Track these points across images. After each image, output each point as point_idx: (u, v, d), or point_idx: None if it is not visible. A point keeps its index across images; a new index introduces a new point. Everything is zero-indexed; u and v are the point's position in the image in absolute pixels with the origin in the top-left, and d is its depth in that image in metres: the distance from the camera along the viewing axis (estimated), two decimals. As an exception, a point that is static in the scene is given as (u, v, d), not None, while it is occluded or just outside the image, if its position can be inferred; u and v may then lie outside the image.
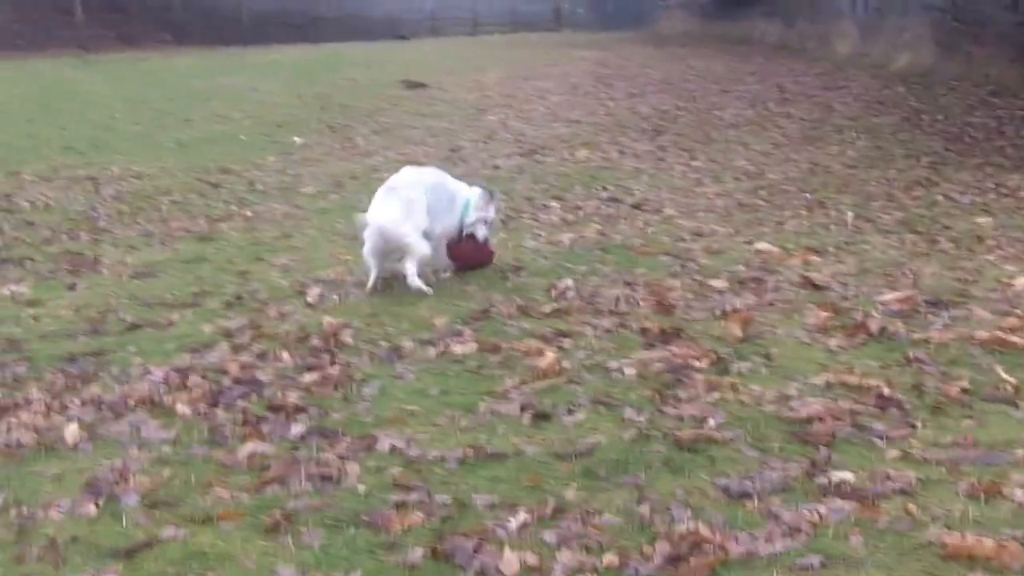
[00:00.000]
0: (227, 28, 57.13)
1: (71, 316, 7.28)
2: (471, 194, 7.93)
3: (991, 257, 8.47)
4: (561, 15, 69.99)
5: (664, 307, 6.88)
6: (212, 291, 7.79)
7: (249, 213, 10.89)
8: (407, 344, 6.30)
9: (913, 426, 4.90)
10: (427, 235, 7.41)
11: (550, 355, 5.92)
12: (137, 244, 9.59)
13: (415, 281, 7.37)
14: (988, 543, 3.74)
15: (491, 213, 7.95)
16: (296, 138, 16.79)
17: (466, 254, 7.94)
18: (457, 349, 6.15)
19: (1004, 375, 5.48)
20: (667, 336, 6.26)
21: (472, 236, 7.88)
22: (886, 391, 5.28)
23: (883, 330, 6.28)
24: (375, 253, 7.44)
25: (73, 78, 30.65)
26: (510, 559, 3.76)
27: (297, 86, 25.78)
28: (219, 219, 10.62)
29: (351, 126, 18.28)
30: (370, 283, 7.50)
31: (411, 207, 7.32)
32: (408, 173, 7.63)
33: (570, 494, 4.25)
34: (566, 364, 5.81)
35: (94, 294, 7.87)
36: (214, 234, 9.91)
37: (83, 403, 5.49)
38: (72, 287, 8.12)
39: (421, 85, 25.25)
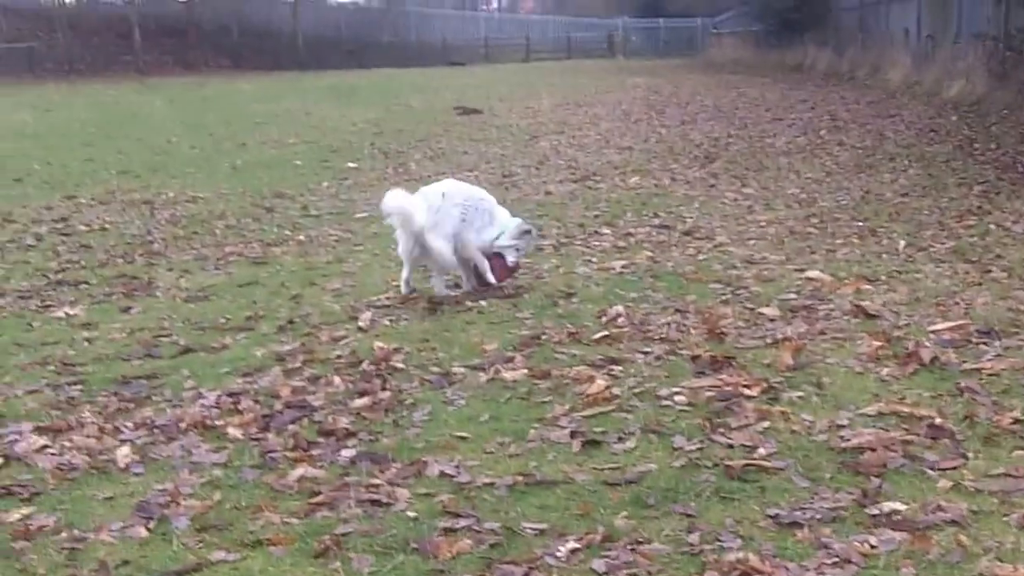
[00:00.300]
0: (283, 53, 57.72)
1: (125, 339, 7.33)
2: (510, 223, 8.27)
3: (1046, 286, 8.34)
4: (614, 42, 70.09)
5: (715, 335, 6.83)
6: (265, 315, 7.82)
7: (302, 237, 10.94)
8: (458, 369, 6.29)
9: (965, 456, 4.82)
10: (456, 239, 7.98)
11: (600, 382, 5.89)
12: (191, 268, 9.65)
13: (440, 291, 8.04)
14: (1044, 578, 3.67)
15: (523, 244, 8.31)
16: (350, 163, 16.88)
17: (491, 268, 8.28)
18: (507, 375, 6.13)
19: (1059, 406, 5.39)
20: (718, 364, 6.21)
21: (501, 256, 8.22)
22: (938, 421, 5.21)
23: (935, 359, 6.19)
24: (402, 248, 8.01)
25: (131, 102, 30.99)
26: (558, 588, 3.73)
27: (351, 111, 25.95)
28: (273, 243, 10.68)
29: (405, 152, 18.36)
30: (402, 283, 8.15)
31: (436, 208, 7.92)
32: (447, 183, 8.32)
33: (620, 522, 4.21)
34: (616, 391, 5.78)
35: (148, 317, 7.93)
36: (267, 258, 9.96)
37: (135, 426, 5.52)
38: (126, 310, 8.18)
39: (475, 111, 25.35)
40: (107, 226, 11.87)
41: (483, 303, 7.87)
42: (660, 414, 5.43)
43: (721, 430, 5.17)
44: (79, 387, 6.23)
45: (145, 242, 10.92)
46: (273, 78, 45.02)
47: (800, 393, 5.70)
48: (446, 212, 7.94)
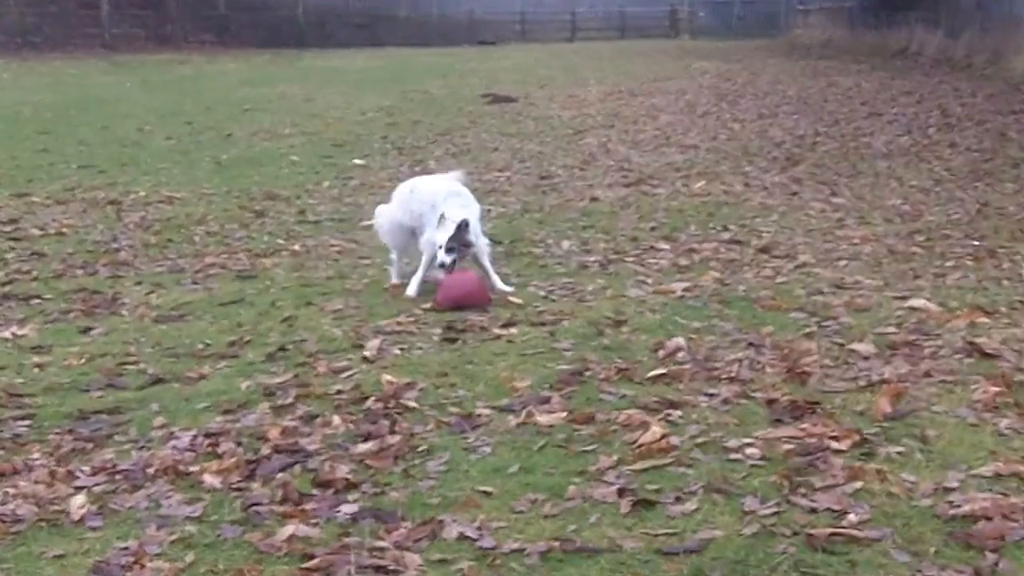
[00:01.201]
0: (280, 28, 57.93)
1: (83, 366, 7.36)
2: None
3: None
4: (678, 19, 70.13)
5: (796, 374, 6.80)
6: (252, 340, 7.84)
7: (298, 248, 10.98)
8: (483, 411, 6.29)
9: (1102, 530, 4.78)
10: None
11: (655, 429, 5.86)
12: (165, 282, 9.69)
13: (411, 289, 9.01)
14: None
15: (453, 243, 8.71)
16: (357, 160, 16.94)
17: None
18: (543, 419, 6.12)
19: None
20: (799, 410, 6.18)
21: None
22: (1069, 486, 5.17)
23: (1067, 410, 6.16)
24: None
25: (97, 83, 31.24)
26: None
27: (361, 98, 26.07)
28: (262, 254, 10.72)
29: (423, 147, 18.42)
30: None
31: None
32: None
33: (676, 600, 4.20)
34: (675, 441, 5.76)
35: (111, 340, 7.96)
36: (256, 272, 9.99)
37: (94, 470, 5.53)
38: (86, 331, 8.21)
39: (508, 100, 25.42)
40: (65, 230, 11.94)
41: (514, 330, 7.87)
42: (727, 470, 5.41)
43: (802, 491, 5.14)
44: (27, 423, 6.25)
45: (110, 250, 10.98)
46: (266, 57, 45.31)
47: (900, 448, 5.67)
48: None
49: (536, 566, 4.49)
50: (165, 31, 55.46)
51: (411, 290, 8.96)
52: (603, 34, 68.31)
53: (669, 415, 6.16)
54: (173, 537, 4.78)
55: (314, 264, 10.28)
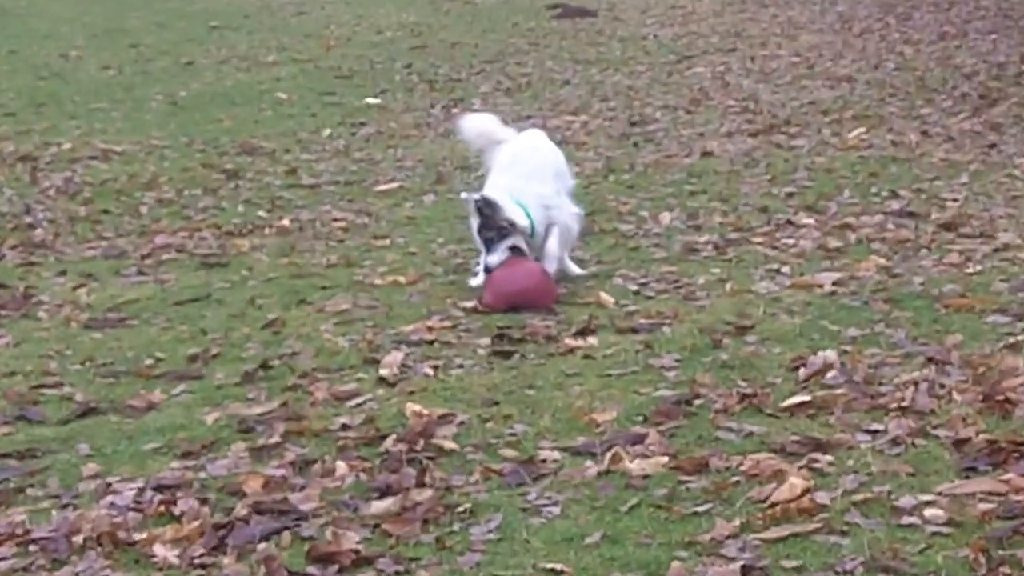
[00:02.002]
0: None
1: (-16, 390, 7.41)
2: None
3: None
4: None
5: (997, 404, 6.76)
6: (222, 354, 7.87)
7: (287, 223, 11.01)
8: (548, 454, 6.29)
9: None
10: None
11: (795, 482, 5.84)
12: (98, 271, 9.73)
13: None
14: None
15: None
16: (370, 99, 16.97)
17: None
18: (634, 466, 6.10)
19: None
20: (1001, 454, 6.14)
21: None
22: None
23: None
24: None
25: (3, -10, 31.34)
26: None
27: (375, 9, 26.10)
28: (237, 232, 10.75)
29: (463, 79, 18.44)
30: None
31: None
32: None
33: None
34: (822, 498, 5.73)
35: (23, 354, 8.00)
36: (228, 257, 10.03)
37: (-1, 538, 5.56)
38: (-12, 340, 8.27)
39: (584, 12, 25.41)
40: (-43, 199, 12.04)
41: (593, 340, 7.85)
42: (898, 540, 5.39)
43: (1005, 569, 5.11)
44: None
45: (21, 226, 11.04)
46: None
47: None
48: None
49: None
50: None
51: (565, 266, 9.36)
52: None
53: (814, 461, 6.13)
54: (111, 636, 4.81)
55: (309, 246, 10.31)
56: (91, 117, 15.87)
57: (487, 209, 8.74)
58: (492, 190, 8.94)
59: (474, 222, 8.85)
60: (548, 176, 9.20)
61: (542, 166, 9.21)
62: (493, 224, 8.75)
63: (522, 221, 8.88)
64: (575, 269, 9.36)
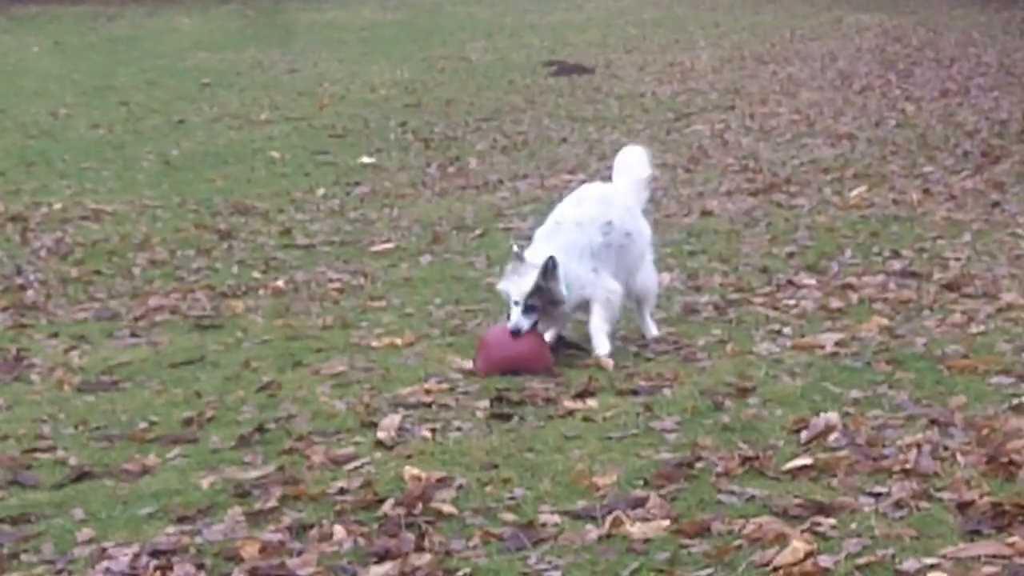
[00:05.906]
0: (252, -34, 58.20)
1: (-25, 454, 7.42)
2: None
3: None
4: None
5: (1001, 466, 6.78)
6: (216, 417, 7.88)
7: (282, 284, 11.02)
8: (548, 518, 6.30)
9: None
10: None
11: (798, 545, 5.86)
12: (91, 334, 9.74)
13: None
14: None
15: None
16: (365, 157, 16.99)
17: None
18: (635, 529, 6.12)
19: None
20: (1006, 517, 6.16)
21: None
22: None
23: None
24: None
25: (-8, 47, 31.39)
26: None
27: (369, 68, 26.15)
28: (231, 294, 10.77)
29: (459, 138, 18.46)
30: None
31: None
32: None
33: None
34: (825, 562, 5.75)
35: (15, 417, 8.00)
36: (222, 319, 10.04)
37: (-8, 606, 5.58)
38: (-21, 405, 8.28)
39: (581, 70, 25.45)
40: (-55, 260, 12.05)
41: (593, 402, 7.87)
42: (904, 604, 5.40)
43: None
44: None
45: (12, 288, 11.05)
46: (232, 7, 45.50)
47: None
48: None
49: None
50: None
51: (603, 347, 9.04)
52: (716, -26, 68.42)
53: (817, 524, 6.16)
54: None
55: (304, 307, 10.33)
56: (82, 176, 15.90)
57: (551, 274, 8.63)
58: (558, 254, 8.75)
59: (522, 279, 8.65)
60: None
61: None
62: (546, 292, 8.65)
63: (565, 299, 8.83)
64: (654, 330, 9.39)
